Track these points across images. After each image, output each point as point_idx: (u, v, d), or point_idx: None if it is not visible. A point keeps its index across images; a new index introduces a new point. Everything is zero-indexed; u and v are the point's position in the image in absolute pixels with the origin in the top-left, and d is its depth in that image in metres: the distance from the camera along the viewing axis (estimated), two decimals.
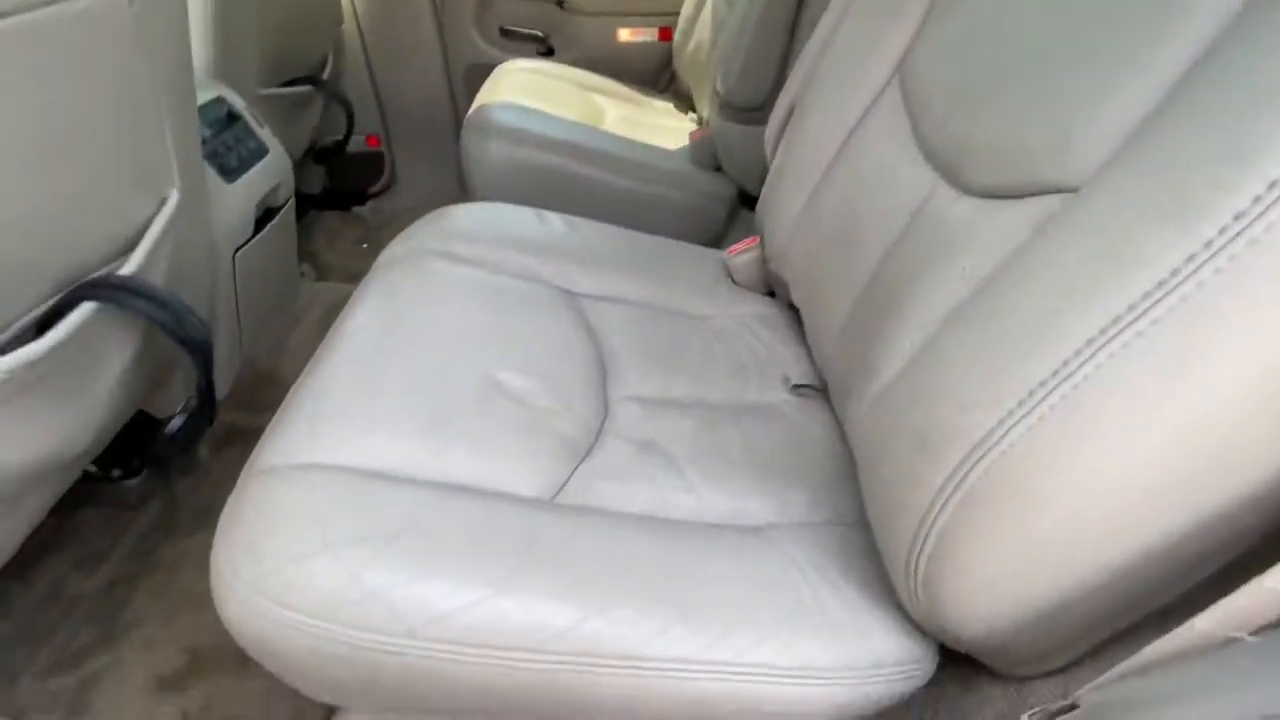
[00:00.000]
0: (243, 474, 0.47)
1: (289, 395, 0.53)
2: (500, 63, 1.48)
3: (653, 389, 0.64)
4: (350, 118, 1.43)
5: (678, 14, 1.57)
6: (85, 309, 0.54)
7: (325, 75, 1.38)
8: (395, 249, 0.74)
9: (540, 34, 1.61)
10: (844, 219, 0.64)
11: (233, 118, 0.97)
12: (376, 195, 1.73)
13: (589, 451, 0.56)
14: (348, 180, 1.69)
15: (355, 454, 0.47)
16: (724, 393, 0.66)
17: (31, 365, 0.49)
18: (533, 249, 0.76)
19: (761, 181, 0.83)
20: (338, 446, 0.47)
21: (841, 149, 0.67)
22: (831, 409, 0.64)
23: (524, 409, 0.55)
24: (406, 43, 1.57)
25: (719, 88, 1.12)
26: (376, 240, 1.64)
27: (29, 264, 0.52)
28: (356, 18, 1.53)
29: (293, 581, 0.40)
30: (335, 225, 1.65)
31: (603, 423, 0.59)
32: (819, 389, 0.67)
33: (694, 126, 1.43)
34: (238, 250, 0.94)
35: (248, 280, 0.98)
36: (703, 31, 1.41)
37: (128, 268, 0.59)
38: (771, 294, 0.83)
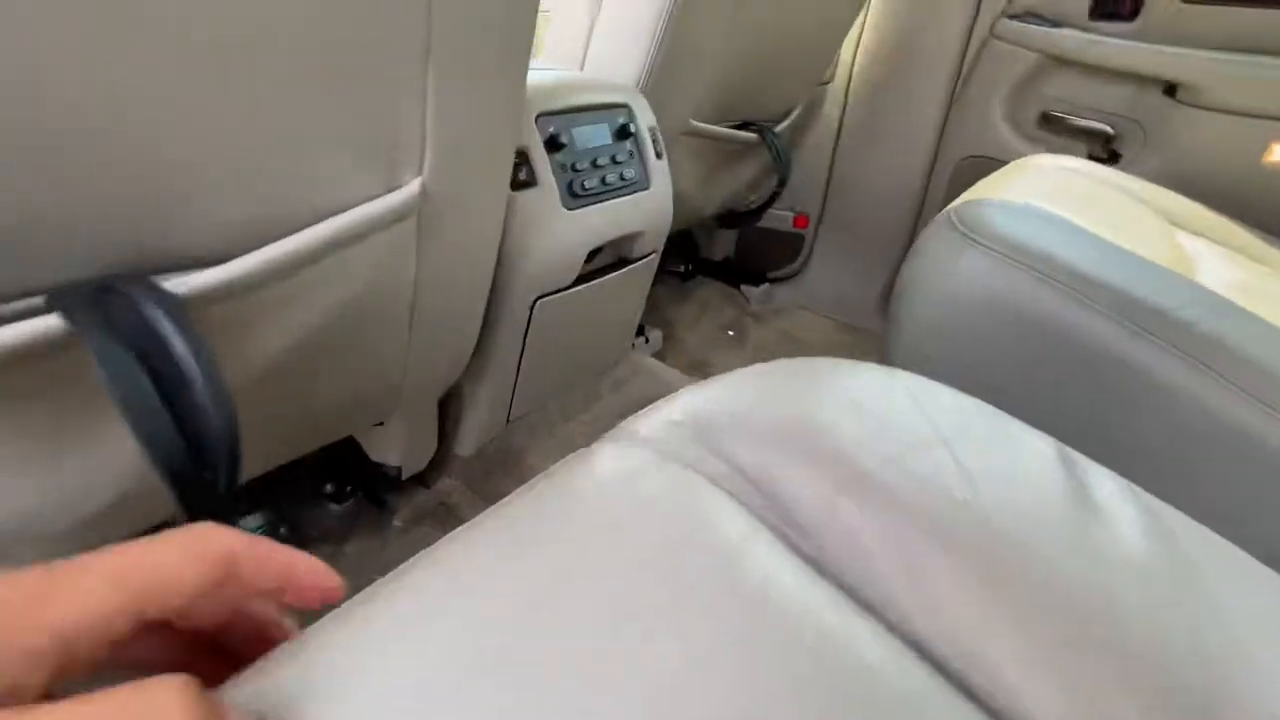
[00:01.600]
0: None
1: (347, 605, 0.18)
2: (1017, 158, 0.97)
3: None
4: (782, 182, 1.13)
5: None
6: (48, 320, 0.27)
7: (779, 129, 1.10)
8: (654, 434, 0.32)
9: (1109, 130, 1.03)
10: None
11: (625, 133, 0.72)
12: (777, 280, 1.41)
13: None
14: (751, 253, 1.42)
15: None
16: None
17: None
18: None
19: None
20: None
21: None
22: None
23: None
24: (898, 115, 1.20)
25: None
26: (747, 333, 1.31)
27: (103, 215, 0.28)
28: (850, 77, 1.23)
29: None
30: (713, 299, 1.39)
31: None
32: None
33: None
34: (541, 297, 0.68)
35: (542, 336, 0.73)
36: None
37: (200, 276, 0.32)
38: None
